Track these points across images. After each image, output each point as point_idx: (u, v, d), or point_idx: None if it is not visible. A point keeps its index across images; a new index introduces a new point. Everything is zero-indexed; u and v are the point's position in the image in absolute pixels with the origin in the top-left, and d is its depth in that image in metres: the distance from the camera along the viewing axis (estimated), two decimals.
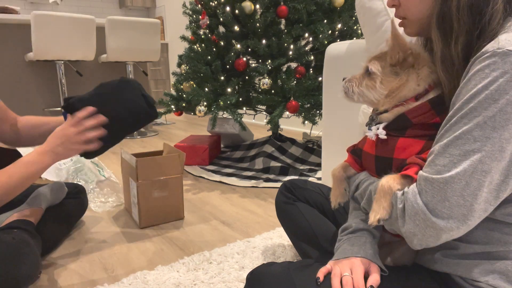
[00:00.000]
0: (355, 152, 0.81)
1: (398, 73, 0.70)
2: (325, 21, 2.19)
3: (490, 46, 0.56)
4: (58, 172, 1.93)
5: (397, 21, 0.75)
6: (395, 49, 0.69)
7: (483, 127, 0.55)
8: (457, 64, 0.63)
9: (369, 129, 0.75)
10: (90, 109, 1.11)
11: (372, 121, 0.76)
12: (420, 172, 0.61)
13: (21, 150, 1.91)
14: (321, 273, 0.69)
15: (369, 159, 0.76)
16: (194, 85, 2.30)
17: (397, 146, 0.69)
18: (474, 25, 0.60)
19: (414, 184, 0.62)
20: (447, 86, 0.65)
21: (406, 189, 0.63)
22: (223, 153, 2.73)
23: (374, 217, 0.65)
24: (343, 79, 0.77)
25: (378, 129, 0.72)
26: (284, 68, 2.22)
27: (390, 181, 0.65)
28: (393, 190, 0.64)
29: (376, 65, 0.72)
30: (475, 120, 0.55)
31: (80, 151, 1.12)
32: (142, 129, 3.80)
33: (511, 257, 0.62)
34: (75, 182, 1.75)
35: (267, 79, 2.09)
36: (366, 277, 0.68)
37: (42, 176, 1.87)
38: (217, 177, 2.22)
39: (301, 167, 2.34)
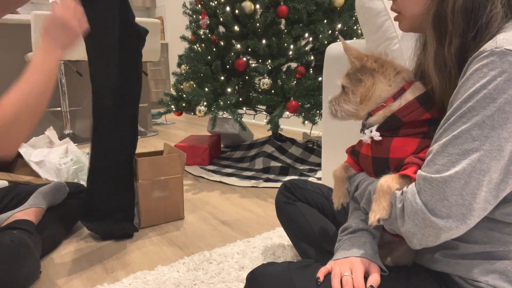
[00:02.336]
0: (354, 153, 0.81)
1: (361, 79, 0.74)
2: (325, 21, 2.19)
3: (488, 46, 0.56)
4: (58, 172, 1.93)
5: (393, 14, 0.77)
6: (350, 59, 0.75)
7: (481, 126, 0.55)
8: (449, 65, 0.63)
9: (363, 133, 0.76)
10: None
11: (364, 127, 0.78)
12: (419, 171, 0.62)
13: (21, 150, 1.92)
14: (321, 273, 0.69)
15: (367, 161, 0.76)
16: (194, 85, 2.30)
17: (392, 146, 0.70)
18: (468, 27, 0.60)
19: (413, 183, 0.62)
20: (438, 86, 0.66)
21: (405, 188, 0.63)
22: (223, 153, 2.73)
23: (374, 217, 0.65)
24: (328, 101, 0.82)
25: (371, 131, 0.73)
26: (284, 68, 2.22)
27: (389, 181, 0.65)
28: (392, 190, 0.64)
29: (345, 79, 0.78)
30: (474, 119, 0.55)
31: (79, 32, 1.03)
32: (142, 129, 3.79)
33: (511, 257, 0.62)
34: (75, 182, 1.75)
35: (267, 79, 2.09)
36: (366, 277, 0.68)
37: (42, 176, 1.87)
38: (217, 177, 2.22)
39: (301, 167, 2.34)
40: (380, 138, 0.71)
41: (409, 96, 0.70)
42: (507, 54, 0.53)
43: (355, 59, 0.74)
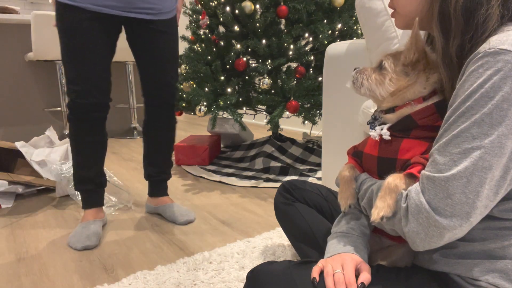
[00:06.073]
0: (356, 154, 0.81)
1: (408, 74, 0.71)
2: (325, 21, 2.19)
3: (482, 48, 0.57)
4: (59, 177, 1.91)
5: (391, 11, 0.77)
6: (411, 49, 0.69)
7: (480, 125, 0.55)
8: (454, 61, 0.64)
9: (371, 128, 0.75)
10: None
11: (375, 120, 0.76)
12: (423, 171, 0.62)
13: (22, 149, 1.92)
14: (315, 273, 0.69)
15: (371, 161, 0.75)
16: (194, 85, 2.30)
17: (402, 147, 0.70)
18: (467, 27, 0.61)
19: (417, 183, 0.62)
20: (447, 82, 0.66)
21: (409, 188, 0.63)
22: (223, 153, 2.73)
23: (377, 214, 0.65)
24: (354, 69, 0.77)
25: (382, 129, 0.72)
26: (284, 68, 2.22)
27: (396, 180, 0.65)
28: (399, 189, 0.64)
29: (390, 61, 0.72)
30: (473, 118, 0.56)
31: None
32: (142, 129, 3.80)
33: (509, 254, 0.62)
34: None
35: (267, 79, 2.09)
36: (358, 275, 0.68)
37: (43, 175, 1.87)
38: (217, 177, 2.22)
39: (301, 167, 2.34)
40: (389, 138, 0.71)
41: (434, 99, 0.69)
42: (501, 53, 0.54)
43: (417, 51, 0.69)
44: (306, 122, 2.23)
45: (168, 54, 1.53)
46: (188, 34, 2.56)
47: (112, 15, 1.37)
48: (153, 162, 1.67)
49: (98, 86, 1.41)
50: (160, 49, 1.50)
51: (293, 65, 2.24)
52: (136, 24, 1.45)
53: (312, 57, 2.22)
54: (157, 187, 1.70)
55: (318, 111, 2.19)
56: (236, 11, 2.13)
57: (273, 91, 2.14)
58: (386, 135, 0.71)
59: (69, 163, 1.95)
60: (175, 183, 2.17)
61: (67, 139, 2.15)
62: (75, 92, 1.38)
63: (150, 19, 1.43)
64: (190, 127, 4.29)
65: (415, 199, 0.60)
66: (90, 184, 1.51)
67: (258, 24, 2.13)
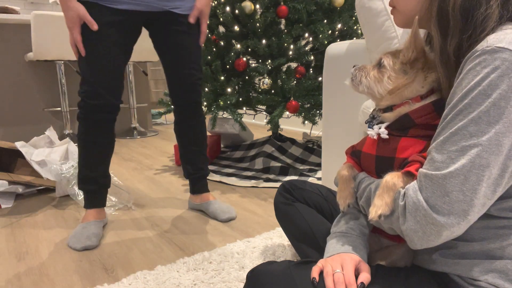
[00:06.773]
0: (355, 153, 0.81)
1: (407, 72, 0.71)
2: (325, 21, 2.19)
3: (480, 46, 0.58)
4: (59, 177, 1.91)
5: (391, 10, 0.77)
6: (410, 47, 0.70)
7: (478, 122, 0.55)
8: (452, 60, 0.64)
9: (369, 127, 0.75)
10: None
11: (373, 119, 0.76)
12: (420, 169, 0.62)
13: (22, 149, 1.92)
14: (315, 273, 0.69)
15: (369, 160, 0.76)
16: None
17: (399, 145, 0.70)
18: (465, 26, 0.61)
19: (415, 181, 0.62)
20: (444, 81, 0.67)
21: (407, 186, 0.63)
22: (223, 153, 2.73)
23: (375, 212, 0.65)
24: (353, 66, 0.78)
25: (380, 128, 0.72)
26: (284, 68, 2.22)
27: (394, 178, 0.65)
28: (397, 187, 0.64)
29: (389, 59, 0.72)
30: (470, 116, 0.56)
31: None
32: (142, 129, 3.80)
33: (508, 254, 0.62)
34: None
35: (267, 79, 2.09)
36: (357, 275, 0.68)
37: (43, 175, 1.87)
38: (217, 177, 2.22)
39: (301, 167, 2.34)
40: (387, 136, 0.71)
41: (432, 98, 0.70)
42: (498, 51, 0.55)
43: (415, 50, 0.69)
44: (306, 122, 2.23)
45: (191, 53, 1.55)
46: None
47: (135, 17, 1.39)
48: (190, 161, 1.70)
49: (109, 88, 1.42)
50: (183, 48, 1.52)
51: (293, 65, 2.24)
52: (158, 25, 1.48)
53: (312, 57, 2.22)
54: (198, 184, 1.73)
55: (318, 111, 2.19)
56: (236, 11, 2.14)
57: (273, 91, 2.15)
58: (384, 133, 0.71)
59: (69, 163, 1.95)
60: (175, 183, 2.17)
61: (67, 139, 2.15)
62: (86, 92, 1.40)
63: (175, 12, 1.46)
64: None
65: (413, 197, 0.60)
66: (94, 184, 1.51)
67: (258, 24, 2.13)
